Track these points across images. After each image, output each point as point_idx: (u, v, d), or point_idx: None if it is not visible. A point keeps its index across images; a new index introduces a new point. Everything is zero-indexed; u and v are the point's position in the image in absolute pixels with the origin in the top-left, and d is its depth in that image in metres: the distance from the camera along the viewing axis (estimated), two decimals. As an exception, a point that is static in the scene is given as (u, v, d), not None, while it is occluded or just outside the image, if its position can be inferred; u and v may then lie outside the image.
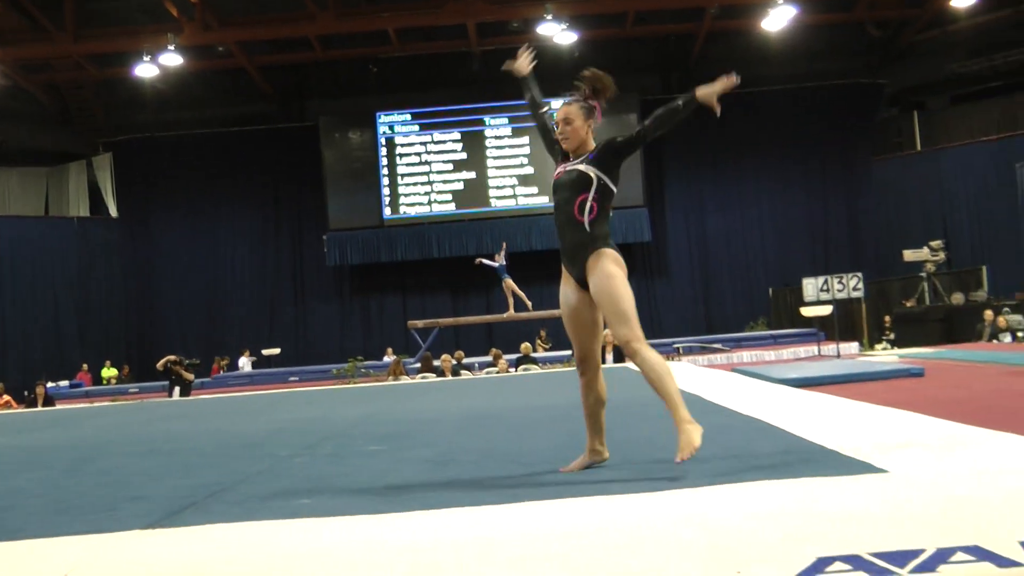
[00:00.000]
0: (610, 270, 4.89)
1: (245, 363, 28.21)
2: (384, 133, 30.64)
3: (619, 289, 4.88)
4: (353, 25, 27.66)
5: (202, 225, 31.43)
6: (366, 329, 31.16)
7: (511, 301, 23.50)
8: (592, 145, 5.16)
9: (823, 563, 2.78)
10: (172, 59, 26.59)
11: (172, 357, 20.97)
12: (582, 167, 5.00)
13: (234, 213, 31.52)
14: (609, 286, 4.88)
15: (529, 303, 23.34)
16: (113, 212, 31.67)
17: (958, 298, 24.90)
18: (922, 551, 2.82)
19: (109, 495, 5.19)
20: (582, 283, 5.04)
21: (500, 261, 23.05)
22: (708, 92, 4.99)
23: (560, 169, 5.14)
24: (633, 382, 13.06)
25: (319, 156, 30.52)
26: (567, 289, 5.16)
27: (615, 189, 5.01)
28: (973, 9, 27.46)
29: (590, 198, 4.95)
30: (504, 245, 24.24)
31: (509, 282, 23.01)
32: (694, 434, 4.59)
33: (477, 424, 8.42)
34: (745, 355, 22.63)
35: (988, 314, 21.72)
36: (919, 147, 32.03)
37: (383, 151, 30.56)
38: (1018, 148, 28.64)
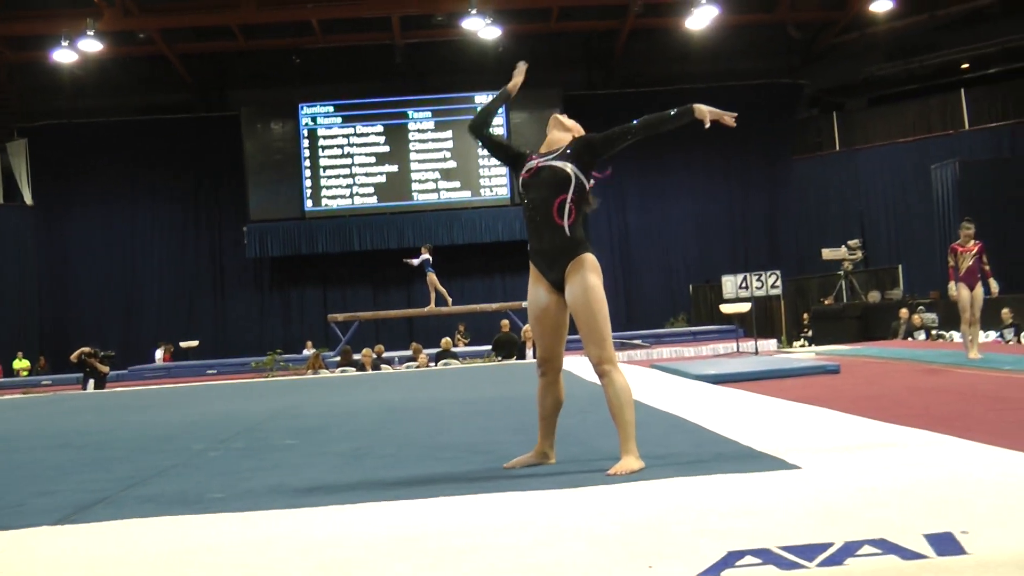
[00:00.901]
0: (590, 282, 4.82)
1: (159, 355, 27.81)
2: (306, 124, 30.41)
3: (597, 305, 4.82)
4: (276, 15, 27.44)
5: (120, 214, 30.94)
6: (286, 322, 30.91)
7: (433, 296, 23.47)
8: (567, 140, 5.06)
9: (733, 557, 2.81)
10: (91, 45, 26.13)
11: (86, 349, 20.70)
12: (557, 163, 4.89)
13: (152, 203, 31.08)
14: (588, 300, 4.81)
15: (449, 299, 23.33)
16: (28, 199, 31.09)
17: (874, 296, 25.29)
18: (831, 545, 2.86)
19: (18, 490, 5.13)
20: (557, 286, 4.95)
21: (425, 255, 22.96)
22: (705, 108, 4.97)
23: (532, 165, 5.02)
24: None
25: (240, 147, 30.21)
26: (538, 289, 5.04)
27: (589, 187, 4.93)
28: (891, 13, 27.85)
29: (568, 199, 4.83)
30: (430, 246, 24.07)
31: (432, 277, 22.96)
32: (634, 465, 4.53)
33: (395, 418, 8.41)
34: (665, 351, 22.79)
35: (904, 312, 22.08)
36: (838, 147, 32.44)
37: (305, 143, 30.34)
38: (933, 150, 29.14)
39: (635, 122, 4.92)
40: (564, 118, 5.20)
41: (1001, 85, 30.26)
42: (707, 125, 5.04)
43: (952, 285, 12.47)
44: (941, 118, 30.91)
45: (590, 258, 4.84)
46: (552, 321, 5.00)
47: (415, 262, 22.97)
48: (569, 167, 4.84)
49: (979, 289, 12.29)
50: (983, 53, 29.59)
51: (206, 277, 31.25)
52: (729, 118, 5.00)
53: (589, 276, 4.79)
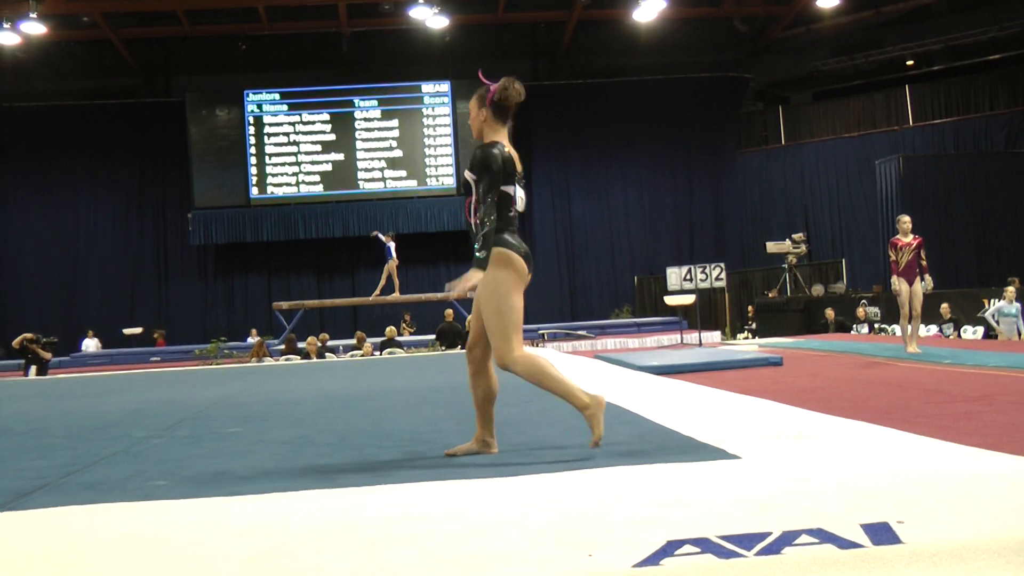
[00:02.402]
0: (486, 279, 4.80)
1: (90, 344, 27.48)
2: (252, 112, 30.21)
3: (491, 304, 4.84)
4: (222, 1, 27.22)
5: (62, 200, 30.56)
6: (230, 310, 30.72)
7: (383, 283, 23.47)
8: (487, 137, 5.02)
9: (673, 546, 2.82)
10: (34, 27, 25.73)
11: (28, 335, 20.49)
12: (465, 171, 4.96)
13: (96, 188, 30.73)
14: (482, 298, 4.88)
15: (398, 292, 23.36)
16: (-32, 184, 30.71)
17: (818, 290, 25.50)
18: (769, 534, 2.88)
19: (-45, 476, 5.05)
20: None
21: (390, 242, 23.04)
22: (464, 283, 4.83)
23: None
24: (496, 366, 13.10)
25: (185, 133, 29.95)
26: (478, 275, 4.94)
27: (502, 190, 4.87)
28: (837, 9, 28.06)
29: (471, 201, 4.92)
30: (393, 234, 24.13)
31: (392, 265, 22.99)
32: (598, 413, 4.68)
33: (339, 407, 8.40)
34: (609, 342, 22.88)
35: (830, 313, 22.34)
36: (783, 141, 32.69)
37: (251, 130, 30.14)
38: (877, 145, 29.45)
39: (486, 217, 4.79)
40: (472, 100, 5.12)
41: (944, 82, 30.62)
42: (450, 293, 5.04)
43: (895, 280, 12.46)
44: (885, 114, 31.24)
45: (499, 252, 4.83)
46: (476, 310, 5.02)
47: (387, 242, 23.03)
48: (470, 175, 4.91)
49: (918, 284, 12.34)
50: (927, 50, 29.91)
51: (149, 264, 30.94)
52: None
53: (491, 272, 4.82)
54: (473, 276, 4.76)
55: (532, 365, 4.78)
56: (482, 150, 4.86)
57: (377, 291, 23.74)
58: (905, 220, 12.69)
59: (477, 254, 4.74)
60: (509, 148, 4.94)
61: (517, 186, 4.95)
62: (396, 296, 23.93)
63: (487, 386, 5.08)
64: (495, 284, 4.80)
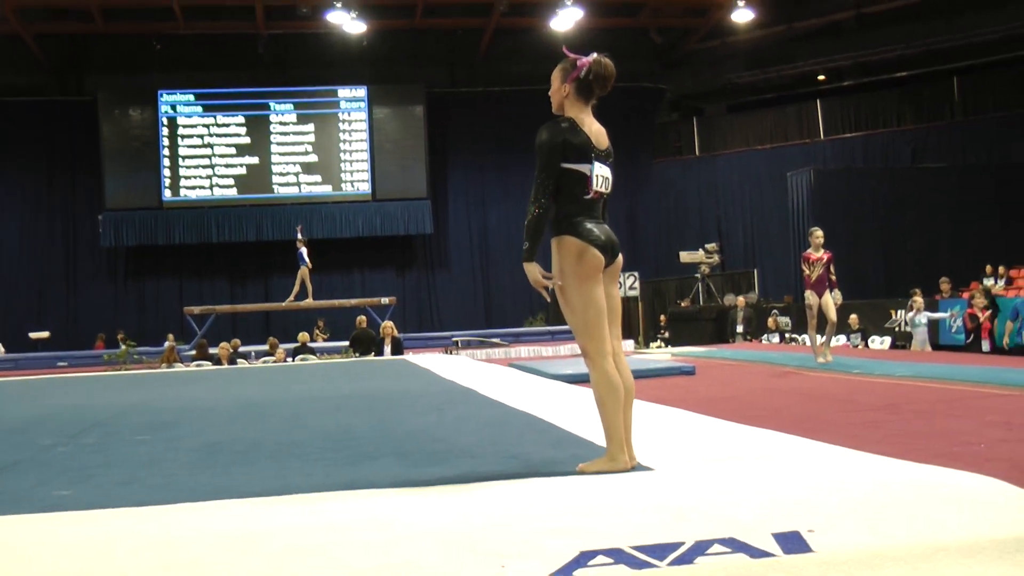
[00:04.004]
0: (558, 270, 4.53)
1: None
2: (166, 112, 29.82)
3: (565, 294, 4.53)
4: (136, -1, 26.91)
5: (-35, 198, 29.99)
6: (141, 313, 30.25)
7: (296, 290, 23.40)
8: (568, 112, 4.70)
9: (586, 556, 2.83)
10: (-61, 22, 25.25)
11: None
12: None
13: (1, 187, 30.16)
14: (559, 290, 4.56)
15: (311, 298, 23.32)
16: None
17: (731, 299, 25.77)
18: (681, 544, 2.90)
19: None
20: None
21: (302, 248, 23.09)
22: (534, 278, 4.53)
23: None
24: (409, 373, 13.10)
25: (97, 133, 29.47)
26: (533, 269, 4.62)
27: (569, 169, 4.52)
28: (751, 23, 28.37)
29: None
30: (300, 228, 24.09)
31: (304, 271, 22.99)
32: (601, 465, 4.34)
33: (250, 414, 8.32)
34: (523, 350, 22.88)
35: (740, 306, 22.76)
36: (697, 151, 33.00)
37: (164, 131, 29.73)
38: (788, 157, 29.83)
39: (533, 206, 4.54)
40: (555, 71, 4.85)
41: (854, 97, 31.15)
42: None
43: (808, 293, 12.62)
44: (797, 127, 31.70)
45: (566, 241, 4.51)
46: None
47: (299, 248, 23.13)
48: None
49: (827, 296, 12.50)
50: (838, 66, 30.39)
51: (58, 266, 30.36)
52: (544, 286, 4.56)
53: (558, 263, 4.53)
54: (529, 271, 4.53)
55: (606, 384, 4.43)
56: (543, 128, 4.59)
57: (291, 297, 23.64)
58: (818, 235, 12.68)
59: (524, 246, 4.51)
60: (589, 123, 4.65)
61: (596, 163, 4.57)
62: (309, 302, 23.84)
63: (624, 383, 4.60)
64: (563, 278, 4.50)
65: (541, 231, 4.50)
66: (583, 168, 4.51)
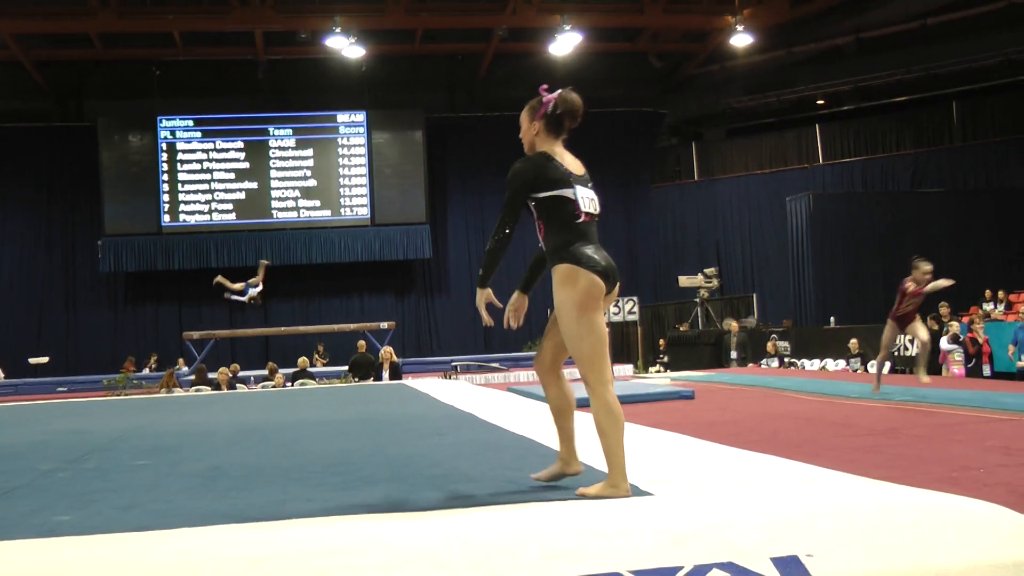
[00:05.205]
0: (558, 299, 4.56)
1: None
2: (165, 138, 29.86)
3: (565, 324, 4.56)
4: (136, 25, 26.88)
5: (-35, 224, 30.01)
6: (140, 339, 30.21)
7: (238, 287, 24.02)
8: (540, 148, 4.83)
9: (585, 580, 2.82)
10: (-60, 48, 25.28)
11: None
12: None
13: (1, 212, 30.17)
14: (559, 318, 4.62)
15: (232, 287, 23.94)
16: None
17: (729, 324, 25.77)
18: (680, 568, 2.89)
19: None
20: None
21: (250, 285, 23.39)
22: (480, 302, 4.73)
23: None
24: (408, 398, 13.09)
25: (96, 158, 29.50)
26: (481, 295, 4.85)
27: (551, 196, 4.60)
28: (750, 48, 28.42)
29: (535, 219, 4.68)
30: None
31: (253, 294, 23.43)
32: (604, 490, 4.37)
33: (250, 438, 8.30)
34: (522, 375, 22.86)
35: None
36: (696, 176, 33.05)
37: (164, 156, 29.77)
38: (788, 182, 29.87)
39: (497, 233, 4.69)
40: (523, 113, 4.98)
41: (854, 122, 31.20)
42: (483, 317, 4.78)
43: (891, 324, 11.35)
44: (796, 151, 31.75)
45: (561, 269, 4.53)
46: (552, 321, 4.79)
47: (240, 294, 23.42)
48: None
49: (918, 321, 11.28)
50: (837, 90, 30.45)
51: (57, 291, 30.37)
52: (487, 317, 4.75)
53: (558, 292, 4.55)
54: (478, 296, 4.73)
55: (606, 412, 4.48)
56: (518, 161, 4.72)
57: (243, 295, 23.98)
58: (925, 268, 11.13)
59: (480, 273, 4.61)
60: (562, 154, 4.74)
61: (578, 187, 4.62)
62: (308, 327, 23.80)
63: (558, 393, 4.89)
64: (561, 307, 4.52)
65: (497, 260, 4.63)
66: (567, 193, 4.56)
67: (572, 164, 4.72)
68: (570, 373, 5.13)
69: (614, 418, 4.45)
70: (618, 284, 4.66)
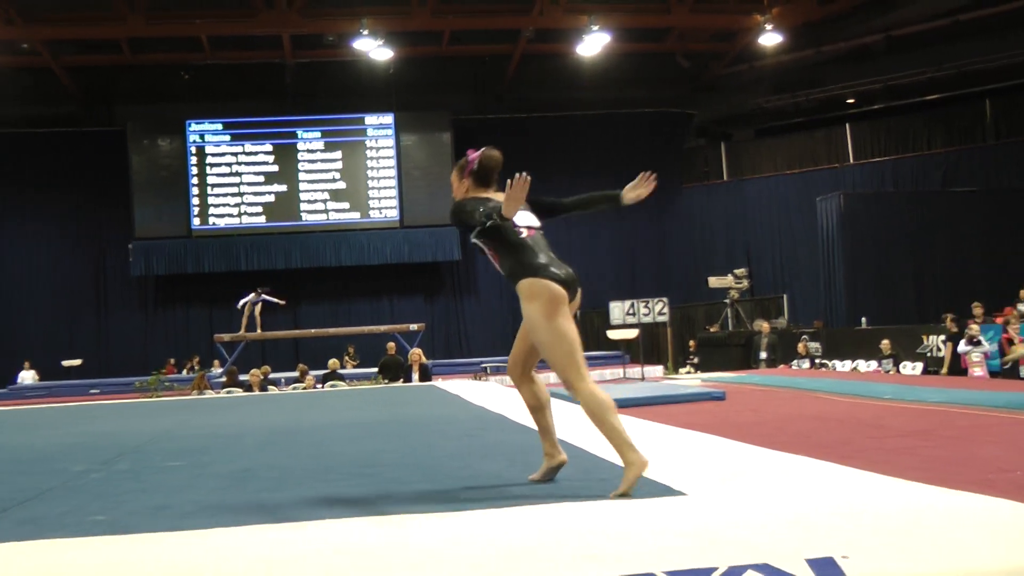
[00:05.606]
0: (526, 313, 4.81)
1: (26, 376, 27.09)
2: (194, 141, 30.00)
3: (537, 334, 4.81)
4: (164, 29, 27.01)
5: (-1, 228, 30.24)
6: (171, 341, 30.31)
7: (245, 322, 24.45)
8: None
9: (619, 582, 2.80)
10: (-28, 54, 25.48)
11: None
12: (471, 237, 5.00)
13: (33, 217, 30.28)
14: (530, 330, 4.89)
15: (259, 329, 24.85)
16: (-97, 212, 30.20)
17: (760, 324, 25.67)
18: (715, 569, 2.87)
19: None
20: None
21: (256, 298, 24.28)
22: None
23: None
24: (438, 399, 13.09)
25: (126, 162, 29.66)
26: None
27: (493, 225, 4.76)
28: (779, 47, 28.32)
29: (488, 253, 4.99)
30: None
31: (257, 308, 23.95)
32: (633, 472, 4.50)
33: (281, 440, 8.31)
34: (551, 375, 22.74)
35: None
36: (725, 177, 32.94)
37: (193, 160, 29.92)
38: (818, 182, 29.70)
39: (475, 233, 4.93)
40: (452, 174, 5.40)
41: (884, 121, 31.02)
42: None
43: None
44: (826, 151, 31.59)
45: (523, 285, 4.78)
46: (523, 330, 5.07)
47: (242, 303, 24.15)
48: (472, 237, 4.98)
49: None
50: (867, 89, 30.27)
51: (88, 295, 30.57)
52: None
53: (525, 307, 4.79)
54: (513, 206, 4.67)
55: (596, 403, 4.66)
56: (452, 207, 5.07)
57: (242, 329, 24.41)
58: None
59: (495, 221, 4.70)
60: (488, 196, 5.12)
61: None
62: (338, 328, 23.97)
63: (531, 393, 5.22)
64: (529, 320, 4.78)
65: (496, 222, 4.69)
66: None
67: (498, 198, 4.98)
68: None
69: (602, 404, 4.63)
70: (579, 292, 4.93)
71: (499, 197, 4.91)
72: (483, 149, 5.25)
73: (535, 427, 5.15)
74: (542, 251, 4.87)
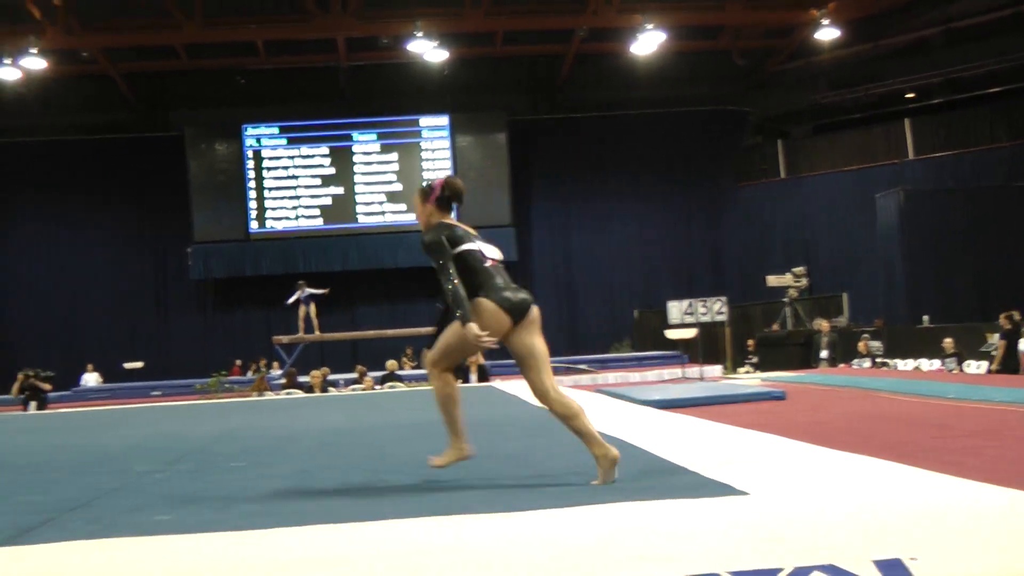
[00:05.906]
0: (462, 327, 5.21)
1: (90, 379, 27.38)
2: (251, 145, 30.23)
3: (452, 333, 5.33)
4: (220, 35, 27.22)
5: (61, 234, 30.51)
6: (230, 343, 30.54)
7: (302, 326, 24.77)
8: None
9: (683, 583, 2.78)
10: (34, 63, 25.73)
11: (28, 371, 20.43)
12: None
13: (94, 223, 30.69)
14: (453, 328, 5.32)
15: (316, 331, 24.98)
16: (-33, 219, 30.64)
17: (820, 323, 25.45)
18: (780, 570, 2.83)
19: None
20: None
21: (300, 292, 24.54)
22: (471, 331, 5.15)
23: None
24: (497, 400, 13.10)
25: (184, 167, 29.93)
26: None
27: (459, 252, 5.31)
28: (836, 42, 28.07)
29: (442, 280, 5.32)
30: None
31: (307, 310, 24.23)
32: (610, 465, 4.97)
33: (340, 440, 8.36)
34: (610, 376, 22.77)
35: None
36: (783, 174, 32.67)
37: (250, 163, 30.15)
38: (877, 178, 29.37)
39: (448, 285, 5.23)
40: (414, 197, 5.75)
41: (944, 115, 30.60)
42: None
43: None
44: (885, 147, 31.20)
45: (476, 301, 5.24)
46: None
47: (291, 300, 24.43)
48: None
49: None
50: (927, 83, 29.94)
51: (149, 298, 30.90)
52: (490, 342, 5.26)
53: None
54: (468, 331, 5.11)
55: (563, 406, 5.20)
56: (424, 234, 5.40)
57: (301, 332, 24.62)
58: None
59: (457, 314, 5.16)
60: (454, 222, 5.49)
61: (478, 241, 5.41)
62: (396, 330, 24.04)
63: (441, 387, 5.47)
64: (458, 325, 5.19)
65: (463, 299, 5.16)
66: (471, 247, 5.35)
67: (465, 228, 5.49)
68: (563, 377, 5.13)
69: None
70: (535, 309, 5.45)
71: (461, 225, 5.48)
72: (446, 177, 5.67)
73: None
74: (501, 279, 5.35)
